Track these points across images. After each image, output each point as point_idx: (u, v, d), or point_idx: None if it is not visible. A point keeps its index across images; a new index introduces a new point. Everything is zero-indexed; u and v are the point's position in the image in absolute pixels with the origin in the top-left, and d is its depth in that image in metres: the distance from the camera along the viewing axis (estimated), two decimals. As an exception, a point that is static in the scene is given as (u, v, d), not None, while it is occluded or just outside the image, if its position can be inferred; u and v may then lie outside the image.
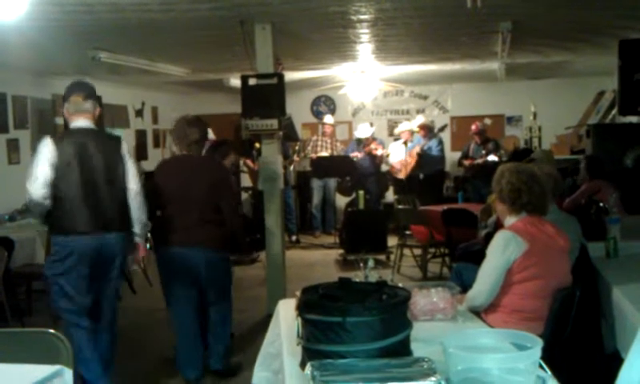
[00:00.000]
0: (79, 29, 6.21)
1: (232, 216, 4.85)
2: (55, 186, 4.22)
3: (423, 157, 10.70)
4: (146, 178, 6.49)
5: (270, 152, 6.63)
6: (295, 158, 11.28)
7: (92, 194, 4.26)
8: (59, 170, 4.22)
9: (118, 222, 4.36)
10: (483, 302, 3.45)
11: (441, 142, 11.07)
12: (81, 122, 4.37)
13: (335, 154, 11.24)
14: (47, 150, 4.22)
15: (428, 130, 10.93)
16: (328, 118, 11.71)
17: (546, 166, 4.93)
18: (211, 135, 7.25)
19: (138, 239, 4.55)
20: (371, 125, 11.55)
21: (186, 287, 4.78)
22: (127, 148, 4.52)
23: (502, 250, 3.40)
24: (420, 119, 11.32)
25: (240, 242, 5.01)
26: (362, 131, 11.17)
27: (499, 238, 3.47)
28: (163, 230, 4.76)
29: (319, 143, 11.29)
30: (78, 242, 4.23)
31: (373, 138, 11.23)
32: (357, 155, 11.00)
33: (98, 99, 4.51)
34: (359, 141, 11.25)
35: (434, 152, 10.82)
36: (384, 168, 11.39)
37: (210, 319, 4.92)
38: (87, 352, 4.28)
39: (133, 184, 4.41)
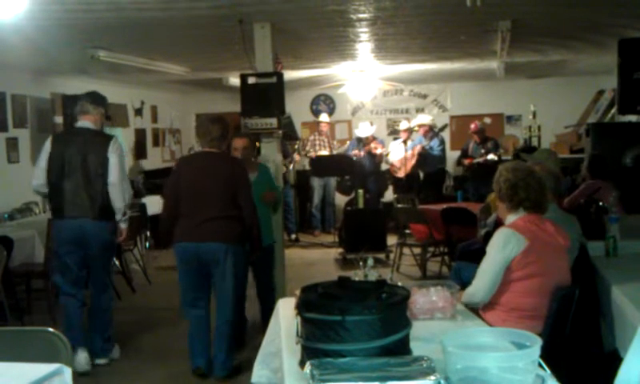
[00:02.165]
0: (78, 27, 6.21)
1: (251, 211, 4.85)
2: (49, 175, 5.02)
3: (424, 156, 10.72)
4: (146, 177, 6.52)
5: (270, 151, 6.63)
6: (296, 157, 11.28)
7: (76, 185, 4.98)
8: (53, 162, 5.01)
9: (99, 210, 5.02)
10: (482, 299, 3.46)
11: (442, 142, 11.10)
12: (81, 122, 5.16)
13: (334, 152, 11.25)
14: (47, 146, 5.08)
15: (429, 129, 10.95)
16: (324, 117, 11.73)
17: (548, 164, 4.94)
18: None
19: (120, 224, 5.20)
20: (372, 124, 11.55)
21: (199, 283, 4.85)
22: (116, 146, 5.09)
23: (502, 247, 3.41)
24: (426, 118, 11.32)
25: (255, 237, 5.02)
26: (363, 130, 11.18)
27: (499, 235, 3.48)
28: (179, 224, 4.82)
29: (317, 142, 11.30)
30: (64, 225, 5.04)
31: (373, 137, 11.23)
32: (357, 154, 10.99)
33: (100, 103, 5.27)
34: (359, 140, 11.25)
35: (436, 151, 10.83)
36: (384, 167, 11.40)
37: (216, 321, 4.91)
38: (73, 318, 5.09)
39: (111, 177, 5.01)
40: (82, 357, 4.99)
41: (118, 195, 5.05)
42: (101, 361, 5.19)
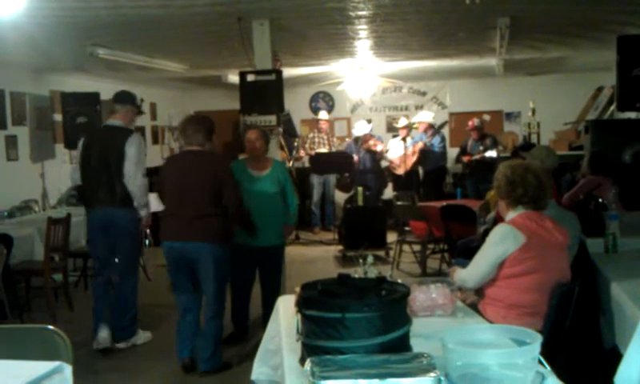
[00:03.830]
0: (77, 25, 6.21)
1: (236, 207, 4.87)
2: (81, 170, 5.53)
3: (426, 153, 10.73)
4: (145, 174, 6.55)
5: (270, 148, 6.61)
6: (301, 153, 11.27)
7: (99, 177, 5.40)
8: (82, 159, 5.52)
9: (119, 200, 5.39)
10: (472, 286, 3.55)
11: (443, 139, 11.13)
12: (110, 120, 5.62)
13: (334, 149, 11.24)
14: (81, 144, 5.60)
15: (430, 126, 10.95)
16: (322, 114, 11.70)
17: (547, 162, 4.95)
18: None
19: (140, 212, 5.50)
20: (368, 121, 11.53)
21: (185, 279, 4.88)
22: (133, 140, 5.43)
23: (499, 242, 3.44)
24: (428, 115, 11.30)
25: (249, 228, 5.16)
26: (359, 129, 11.16)
27: (497, 230, 3.52)
28: (164, 223, 4.88)
29: (316, 140, 11.29)
30: (92, 214, 5.56)
31: (371, 135, 11.22)
32: (356, 159, 10.91)
33: (129, 101, 5.68)
34: (357, 139, 11.23)
35: (437, 148, 10.84)
36: (383, 164, 11.39)
37: (204, 318, 4.94)
38: (96, 297, 5.55)
39: (127, 170, 5.35)
40: (103, 332, 5.42)
41: (135, 186, 5.38)
42: (120, 345, 5.52)
